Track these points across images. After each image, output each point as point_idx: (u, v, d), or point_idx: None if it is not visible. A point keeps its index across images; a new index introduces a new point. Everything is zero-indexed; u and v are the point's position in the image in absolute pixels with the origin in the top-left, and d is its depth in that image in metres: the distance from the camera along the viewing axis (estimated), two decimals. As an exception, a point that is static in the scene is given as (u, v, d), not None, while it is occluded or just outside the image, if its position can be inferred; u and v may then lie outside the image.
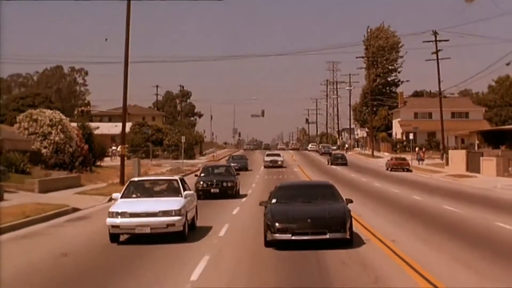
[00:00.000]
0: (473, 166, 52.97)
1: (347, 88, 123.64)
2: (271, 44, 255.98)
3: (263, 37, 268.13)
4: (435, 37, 74.12)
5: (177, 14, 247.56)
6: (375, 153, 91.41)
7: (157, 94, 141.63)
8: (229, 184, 33.00)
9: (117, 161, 55.92)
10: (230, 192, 32.72)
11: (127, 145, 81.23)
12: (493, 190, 37.25)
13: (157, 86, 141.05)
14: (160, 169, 58.49)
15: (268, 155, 72.88)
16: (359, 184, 42.78)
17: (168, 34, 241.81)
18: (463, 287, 12.09)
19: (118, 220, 17.79)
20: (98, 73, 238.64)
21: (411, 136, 70.77)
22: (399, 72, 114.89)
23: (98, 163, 56.73)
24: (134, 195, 19.49)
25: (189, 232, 18.67)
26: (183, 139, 62.31)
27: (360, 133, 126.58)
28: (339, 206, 17.08)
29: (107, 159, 64.22)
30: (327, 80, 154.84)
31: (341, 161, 71.12)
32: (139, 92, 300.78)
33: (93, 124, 70.29)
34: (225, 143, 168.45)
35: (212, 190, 32.40)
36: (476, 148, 59.97)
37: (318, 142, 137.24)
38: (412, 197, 32.19)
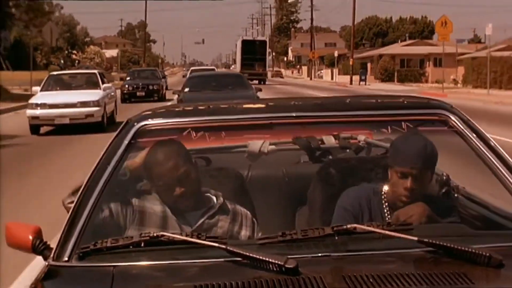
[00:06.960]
0: (309, 73, 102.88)
1: (256, 28, 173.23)
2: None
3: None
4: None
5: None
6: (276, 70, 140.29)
7: (121, 26, 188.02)
8: (155, 87, 32.86)
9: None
10: (156, 95, 32.38)
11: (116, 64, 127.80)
12: (305, 82, 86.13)
13: (121, 20, 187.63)
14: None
15: (192, 71, 44.12)
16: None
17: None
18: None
19: (38, 111, 17.92)
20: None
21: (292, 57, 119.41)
22: (298, 14, 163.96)
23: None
24: (53, 89, 19.55)
25: (108, 125, 18.48)
26: (160, 60, 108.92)
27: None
28: (248, 93, 17.79)
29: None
30: (252, 14, 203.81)
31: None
32: (105, 24, 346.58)
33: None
34: (174, 64, 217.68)
35: (138, 93, 32.07)
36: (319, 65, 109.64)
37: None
38: (276, 86, 56.31)
